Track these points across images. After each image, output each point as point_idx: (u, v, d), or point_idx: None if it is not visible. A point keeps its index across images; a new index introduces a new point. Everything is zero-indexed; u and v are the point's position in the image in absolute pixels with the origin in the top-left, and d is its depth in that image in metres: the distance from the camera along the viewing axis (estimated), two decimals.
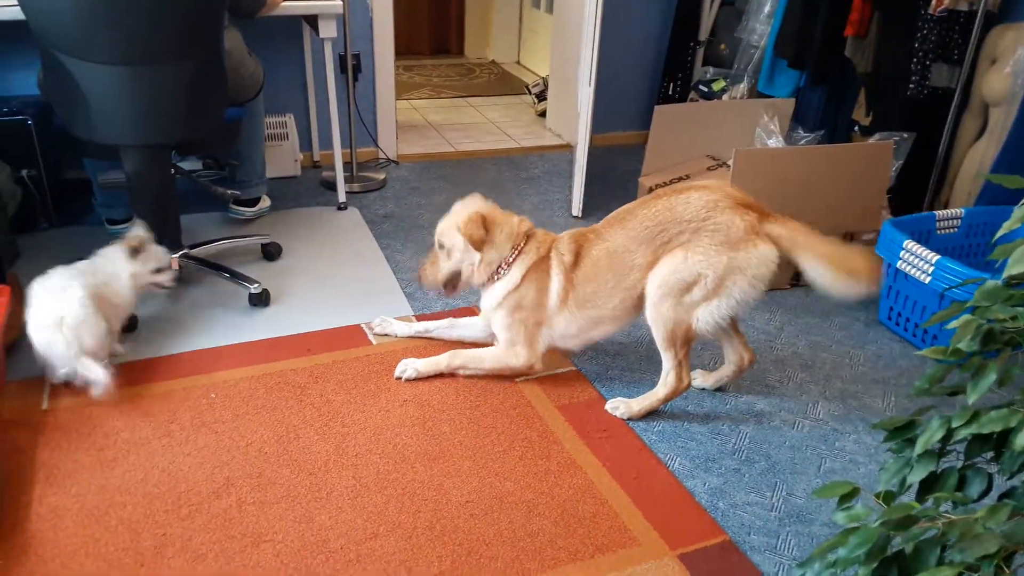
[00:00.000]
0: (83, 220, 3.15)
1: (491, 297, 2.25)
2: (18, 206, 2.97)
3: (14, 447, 1.95)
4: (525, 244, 2.22)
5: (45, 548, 1.68)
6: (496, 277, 2.23)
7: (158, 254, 2.40)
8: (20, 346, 2.32)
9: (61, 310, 2.09)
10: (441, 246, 2.27)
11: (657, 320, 2.08)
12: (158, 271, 2.39)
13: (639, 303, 2.14)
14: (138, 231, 2.37)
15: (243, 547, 1.71)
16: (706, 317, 2.03)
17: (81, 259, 2.31)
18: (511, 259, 2.21)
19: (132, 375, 2.25)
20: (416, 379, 2.26)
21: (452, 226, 2.23)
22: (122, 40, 2.15)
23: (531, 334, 2.22)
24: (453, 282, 2.28)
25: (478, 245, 2.18)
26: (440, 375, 2.29)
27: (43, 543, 1.69)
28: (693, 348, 2.15)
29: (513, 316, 2.21)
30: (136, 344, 2.40)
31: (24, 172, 2.95)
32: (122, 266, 2.33)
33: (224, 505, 1.82)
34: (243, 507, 1.81)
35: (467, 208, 2.25)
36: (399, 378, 2.26)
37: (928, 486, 1.16)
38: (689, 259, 2.01)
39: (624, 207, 2.19)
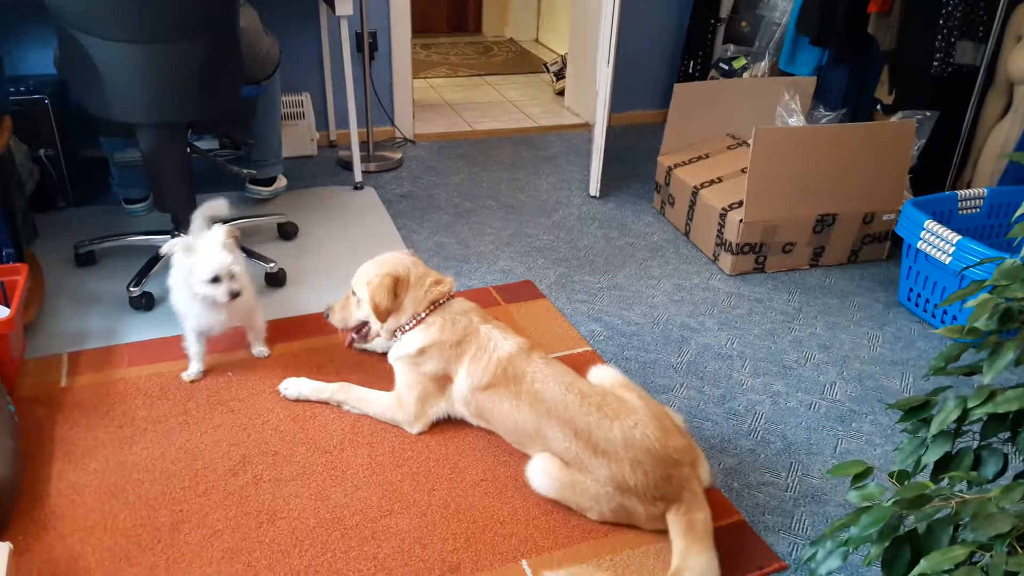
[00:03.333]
0: (100, 199, 3.17)
1: (392, 351, 2.07)
2: (35, 185, 2.99)
3: (33, 424, 1.98)
4: (429, 314, 2.01)
5: (64, 523, 1.70)
6: (397, 335, 2.05)
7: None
8: (39, 323, 2.35)
9: None
10: (354, 293, 2.09)
11: None
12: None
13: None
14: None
15: (259, 523, 1.72)
16: None
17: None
18: (407, 326, 2.02)
19: (148, 353, 2.27)
20: (297, 400, 2.11)
21: (364, 281, 2.03)
22: (137, 17, 2.15)
23: (425, 397, 2.02)
24: (361, 329, 2.13)
25: (382, 316, 2.00)
26: (325, 403, 2.11)
27: (62, 518, 1.71)
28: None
29: (411, 374, 2.02)
30: (151, 323, 2.42)
31: (41, 151, 2.97)
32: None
33: (240, 482, 1.83)
34: (259, 484, 1.83)
35: (387, 263, 2.05)
36: (282, 394, 2.13)
37: (943, 466, 1.15)
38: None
39: (569, 378, 1.89)
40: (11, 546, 1.47)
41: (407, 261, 2.06)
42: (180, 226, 2.66)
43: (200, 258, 2.01)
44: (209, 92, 2.34)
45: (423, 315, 2.01)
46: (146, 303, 2.48)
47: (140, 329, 2.38)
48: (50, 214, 3.04)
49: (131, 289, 2.47)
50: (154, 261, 2.56)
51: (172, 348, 2.29)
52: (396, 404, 2.04)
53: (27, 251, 2.60)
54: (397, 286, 2.00)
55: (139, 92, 2.26)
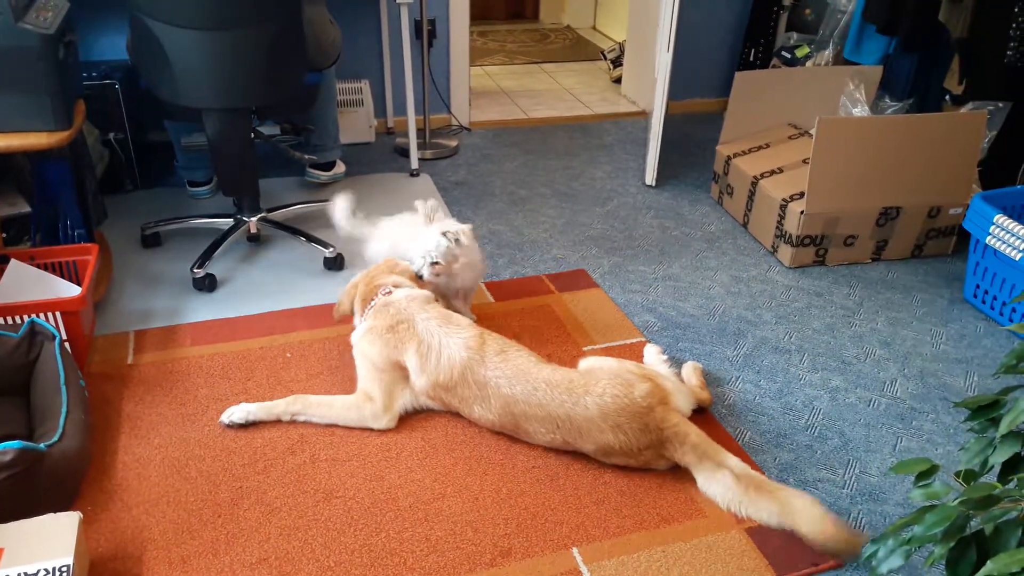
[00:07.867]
0: (165, 182, 3.25)
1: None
2: (105, 168, 3.08)
3: (102, 398, 2.05)
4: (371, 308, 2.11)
5: (130, 495, 1.76)
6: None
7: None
8: (107, 302, 2.43)
9: None
10: None
11: None
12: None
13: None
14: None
15: (315, 502, 1.76)
16: None
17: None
18: (362, 317, 2.13)
19: (210, 334, 2.33)
20: (245, 424, 1.98)
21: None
22: (206, 5, 2.19)
23: (389, 388, 2.02)
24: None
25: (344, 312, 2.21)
26: (278, 421, 2.00)
27: (128, 491, 1.77)
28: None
29: (369, 366, 2.04)
30: (213, 304, 2.48)
31: (111, 135, 3.06)
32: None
33: (298, 461, 1.87)
34: (316, 463, 1.87)
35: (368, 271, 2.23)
36: (223, 423, 1.98)
37: (1012, 467, 1.12)
38: None
39: (531, 370, 1.94)
40: (81, 515, 1.52)
41: (379, 269, 2.22)
42: (242, 209, 2.72)
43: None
44: (274, 79, 2.38)
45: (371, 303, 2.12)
46: (209, 284, 2.54)
47: (202, 310, 2.44)
48: (118, 196, 3.12)
49: (195, 270, 2.53)
50: (217, 243, 2.62)
51: (233, 329, 2.35)
52: (363, 401, 2.00)
53: (97, 232, 2.68)
54: (353, 290, 2.18)
55: (207, 78, 2.31)
